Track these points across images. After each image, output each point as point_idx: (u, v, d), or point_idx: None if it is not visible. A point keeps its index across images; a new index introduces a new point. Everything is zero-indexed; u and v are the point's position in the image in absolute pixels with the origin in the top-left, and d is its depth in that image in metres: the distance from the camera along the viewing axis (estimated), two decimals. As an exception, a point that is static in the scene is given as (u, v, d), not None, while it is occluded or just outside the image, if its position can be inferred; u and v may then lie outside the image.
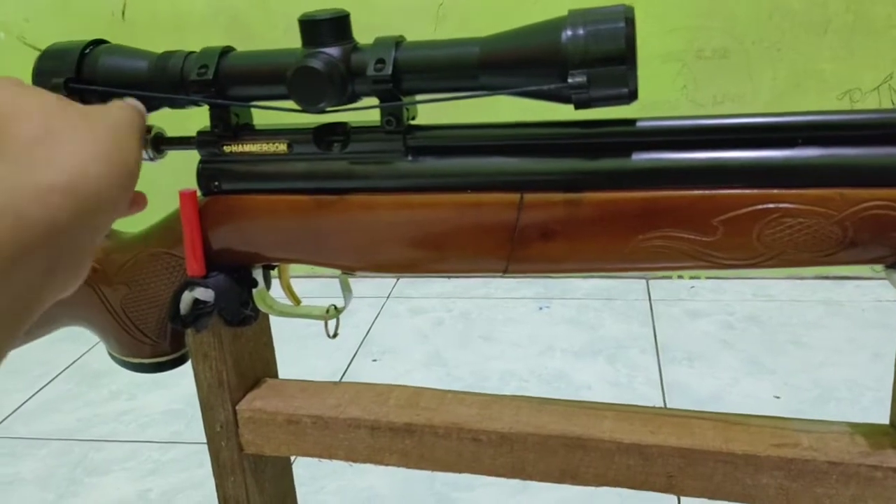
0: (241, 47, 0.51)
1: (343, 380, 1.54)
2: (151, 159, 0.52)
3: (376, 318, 1.81)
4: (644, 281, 1.89)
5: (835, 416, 0.51)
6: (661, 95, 1.73)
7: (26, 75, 0.51)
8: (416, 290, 1.93)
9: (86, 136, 0.37)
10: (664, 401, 1.40)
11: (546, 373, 1.53)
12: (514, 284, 1.92)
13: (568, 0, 0.49)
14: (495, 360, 1.58)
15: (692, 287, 1.85)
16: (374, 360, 1.63)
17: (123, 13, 1.93)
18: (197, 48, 0.50)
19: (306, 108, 0.47)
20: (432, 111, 0.50)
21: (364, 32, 0.48)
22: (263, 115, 0.52)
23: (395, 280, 1.99)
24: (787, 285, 1.81)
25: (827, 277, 1.82)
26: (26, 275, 0.31)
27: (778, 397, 1.39)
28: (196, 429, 1.45)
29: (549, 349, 1.61)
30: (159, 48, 0.52)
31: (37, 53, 0.51)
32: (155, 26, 1.90)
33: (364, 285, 1.91)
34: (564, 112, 0.46)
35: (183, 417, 1.46)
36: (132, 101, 0.43)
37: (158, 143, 0.52)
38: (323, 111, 0.48)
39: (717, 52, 1.72)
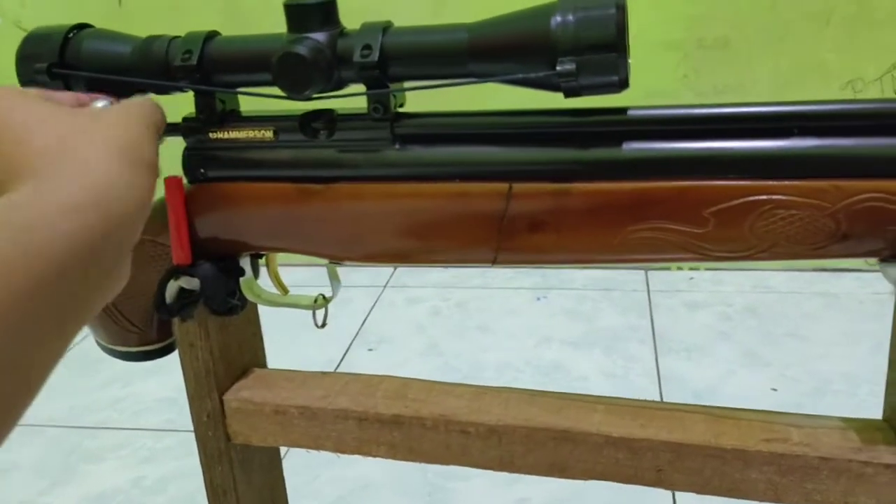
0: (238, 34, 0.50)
1: (339, 369, 1.54)
2: None
3: (372, 307, 1.80)
4: (643, 272, 1.88)
5: (832, 409, 0.51)
6: (661, 84, 1.72)
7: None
8: (412, 280, 1.92)
9: (101, 143, 0.35)
10: (660, 392, 1.40)
11: (542, 364, 1.52)
12: (511, 275, 1.92)
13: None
14: (492, 351, 1.58)
15: (691, 278, 1.84)
16: (370, 350, 1.62)
17: (120, 0, 1.92)
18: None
19: (292, 94, 0.47)
20: (420, 99, 0.49)
21: (359, 17, 0.47)
22: (250, 102, 0.52)
23: (392, 269, 1.98)
24: (786, 277, 1.80)
25: (825, 270, 1.81)
26: (70, 287, 0.30)
27: (775, 389, 1.38)
28: (189, 417, 1.44)
29: (546, 340, 1.61)
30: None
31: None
32: (152, 13, 1.89)
33: (360, 274, 1.90)
34: (557, 100, 0.45)
35: (176, 405, 1.45)
36: (148, 97, 0.43)
37: None
38: (309, 98, 0.47)
39: (719, 41, 1.70)
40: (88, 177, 0.33)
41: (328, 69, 0.46)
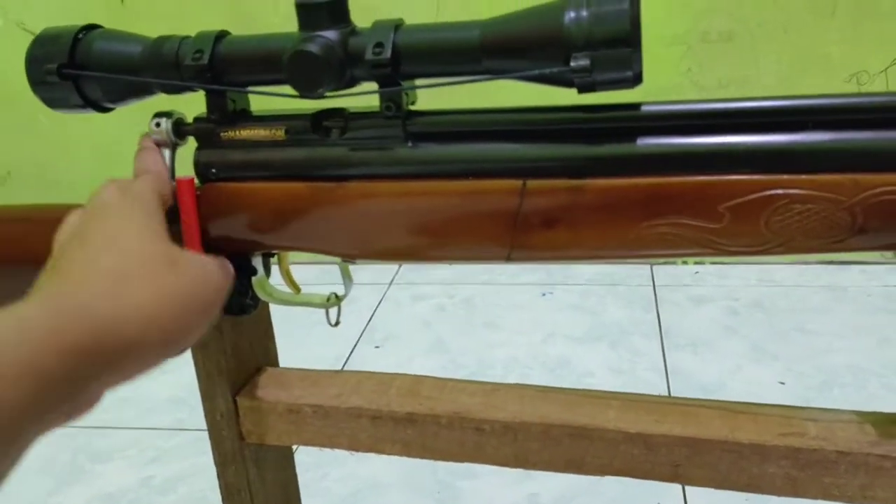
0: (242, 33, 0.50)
1: (346, 367, 1.54)
2: (175, 145, 0.51)
3: (378, 304, 1.80)
4: (648, 266, 1.88)
5: (840, 403, 0.51)
6: (665, 80, 1.72)
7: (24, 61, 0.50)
8: (418, 277, 1.92)
9: (165, 288, 0.36)
10: (668, 387, 1.40)
11: (549, 359, 1.52)
12: (516, 271, 1.91)
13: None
14: (498, 347, 1.58)
15: (696, 273, 1.84)
16: (377, 347, 1.62)
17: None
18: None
19: (304, 93, 0.46)
20: (433, 97, 0.49)
21: (364, 16, 0.47)
22: (261, 102, 0.51)
23: (397, 266, 1.98)
24: (792, 271, 1.80)
25: (832, 263, 1.81)
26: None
27: (783, 383, 1.38)
28: (199, 416, 1.43)
29: (552, 335, 1.61)
30: (159, 35, 0.50)
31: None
32: (155, 12, 1.89)
33: (366, 272, 1.90)
34: (568, 97, 0.45)
35: (186, 405, 1.45)
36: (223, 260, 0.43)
37: (180, 129, 0.51)
38: (321, 97, 0.47)
39: (723, 34, 1.70)
40: (139, 311, 0.34)
41: (340, 67, 0.46)
